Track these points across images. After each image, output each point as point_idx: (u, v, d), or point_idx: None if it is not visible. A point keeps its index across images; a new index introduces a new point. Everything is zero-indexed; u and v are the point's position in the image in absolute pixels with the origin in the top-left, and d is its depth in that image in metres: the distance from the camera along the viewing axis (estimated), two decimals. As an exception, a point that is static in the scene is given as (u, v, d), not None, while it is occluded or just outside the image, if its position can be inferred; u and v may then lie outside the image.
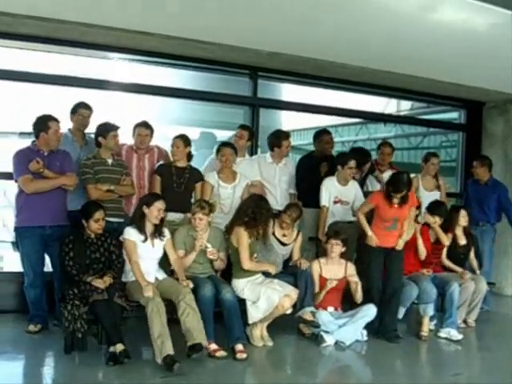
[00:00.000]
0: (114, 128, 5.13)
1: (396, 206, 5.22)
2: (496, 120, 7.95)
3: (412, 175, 6.69)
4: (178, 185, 5.30)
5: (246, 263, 4.88)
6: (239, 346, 4.56)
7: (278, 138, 6.00)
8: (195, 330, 4.31)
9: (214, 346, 4.52)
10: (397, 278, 5.30)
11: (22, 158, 4.82)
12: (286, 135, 6.07)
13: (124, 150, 5.40)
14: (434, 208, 5.74)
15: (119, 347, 4.20)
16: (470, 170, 6.93)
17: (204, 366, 4.34)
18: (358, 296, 5.22)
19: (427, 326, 5.42)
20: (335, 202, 5.86)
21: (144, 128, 5.39)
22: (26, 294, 5.01)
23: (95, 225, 4.58)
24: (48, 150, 4.89)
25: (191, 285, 4.56)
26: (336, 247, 5.27)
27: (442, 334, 5.39)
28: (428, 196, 6.30)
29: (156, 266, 4.78)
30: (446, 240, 5.71)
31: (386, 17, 4.88)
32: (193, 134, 7.15)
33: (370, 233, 5.28)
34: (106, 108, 5.93)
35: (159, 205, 4.64)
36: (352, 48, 5.64)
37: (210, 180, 5.47)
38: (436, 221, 5.64)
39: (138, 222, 4.65)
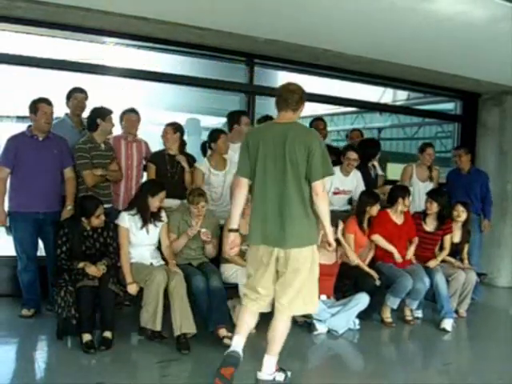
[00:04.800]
0: (111, 112, 5.14)
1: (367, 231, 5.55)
2: (491, 111, 7.94)
3: (404, 164, 6.76)
4: (172, 174, 5.28)
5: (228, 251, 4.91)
6: (223, 331, 4.48)
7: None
8: (183, 319, 4.33)
9: (224, 332, 4.47)
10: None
11: (7, 147, 4.84)
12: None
13: (111, 140, 5.30)
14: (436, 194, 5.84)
15: (86, 337, 4.20)
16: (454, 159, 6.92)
17: (194, 350, 4.35)
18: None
19: (409, 311, 5.57)
20: (335, 193, 5.87)
21: (134, 113, 5.39)
22: (19, 279, 5.01)
23: (97, 220, 4.55)
24: (42, 134, 4.87)
25: (179, 271, 4.55)
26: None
27: (441, 325, 5.40)
28: (422, 186, 6.33)
29: (152, 252, 4.77)
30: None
31: (383, 6, 4.86)
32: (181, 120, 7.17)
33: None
34: (101, 93, 5.90)
35: (162, 195, 4.66)
36: (349, 37, 5.62)
37: (202, 167, 5.42)
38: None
39: (142, 210, 4.63)
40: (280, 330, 3.64)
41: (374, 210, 5.54)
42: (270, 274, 3.61)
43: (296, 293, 3.56)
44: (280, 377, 3.74)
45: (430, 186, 6.40)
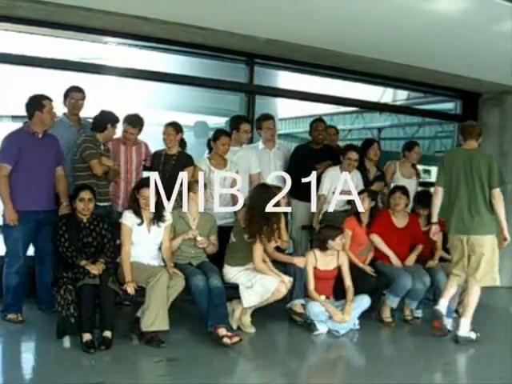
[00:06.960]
0: (119, 120, 5.20)
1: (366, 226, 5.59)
2: (491, 111, 7.94)
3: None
4: (163, 173, 5.21)
5: (258, 264, 4.84)
6: (223, 331, 4.46)
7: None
8: (157, 316, 4.33)
9: (223, 332, 4.45)
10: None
11: (10, 144, 4.78)
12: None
13: (110, 143, 5.29)
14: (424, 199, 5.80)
15: (86, 337, 4.20)
16: None
17: (194, 350, 4.37)
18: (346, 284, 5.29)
19: (409, 311, 5.58)
20: (334, 193, 5.85)
21: (131, 126, 5.34)
22: (5, 281, 4.83)
23: (80, 204, 4.60)
24: (42, 131, 4.84)
25: (180, 274, 4.58)
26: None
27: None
28: (406, 182, 6.27)
29: (152, 252, 4.76)
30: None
31: (383, 6, 4.86)
32: (187, 121, 7.18)
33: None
34: (101, 93, 5.91)
35: (145, 192, 4.63)
36: (349, 37, 5.62)
37: (202, 166, 5.43)
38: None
39: (133, 204, 4.69)
40: (472, 297, 4.95)
41: (366, 204, 5.54)
42: (464, 256, 4.96)
43: (484, 270, 4.89)
44: (473, 335, 4.94)
45: (413, 182, 6.39)
